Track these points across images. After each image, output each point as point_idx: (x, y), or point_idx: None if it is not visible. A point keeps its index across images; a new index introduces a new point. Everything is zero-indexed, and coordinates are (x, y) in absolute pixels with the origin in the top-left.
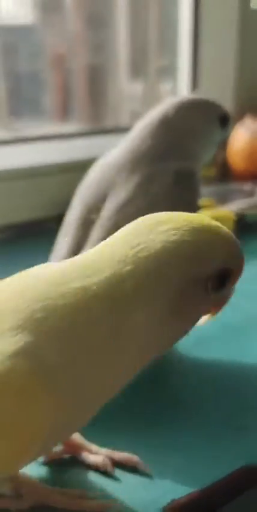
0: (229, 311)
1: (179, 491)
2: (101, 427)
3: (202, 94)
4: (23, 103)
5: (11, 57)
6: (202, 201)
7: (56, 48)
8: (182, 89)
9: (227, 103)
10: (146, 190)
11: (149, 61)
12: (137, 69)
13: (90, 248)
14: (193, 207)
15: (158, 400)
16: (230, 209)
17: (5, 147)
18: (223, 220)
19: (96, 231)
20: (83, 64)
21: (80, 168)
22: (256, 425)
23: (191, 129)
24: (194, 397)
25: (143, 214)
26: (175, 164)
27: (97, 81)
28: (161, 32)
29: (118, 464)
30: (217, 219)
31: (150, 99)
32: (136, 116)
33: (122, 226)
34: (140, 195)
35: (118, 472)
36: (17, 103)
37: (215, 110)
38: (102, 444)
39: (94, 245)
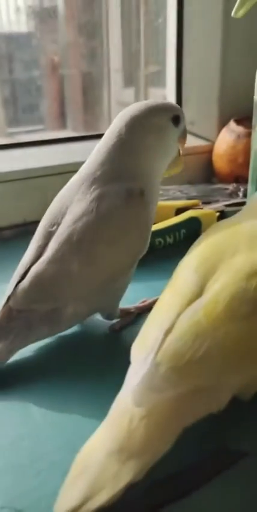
0: None
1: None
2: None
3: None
4: (19, 110)
5: (7, 65)
6: (189, 202)
7: (50, 56)
8: (170, 95)
9: (212, 108)
10: (97, 207)
11: (140, 69)
12: (129, 76)
13: (48, 255)
14: (144, 225)
15: None
16: (214, 208)
17: (2, 151)
18: (206, 218)
19: (52, 242)
20: (77, 71)
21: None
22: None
23: (144, 143)
24: None
25: (90, 231)
26: (126, 184)
27: (91, 88)
28: (151, 41)
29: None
30: (201, 216)
31: None
32: None
33: (73, 239)
34: (90, 212)
35: None
36: (13, 110)
37: (166, 114)
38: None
39: (49, 253)
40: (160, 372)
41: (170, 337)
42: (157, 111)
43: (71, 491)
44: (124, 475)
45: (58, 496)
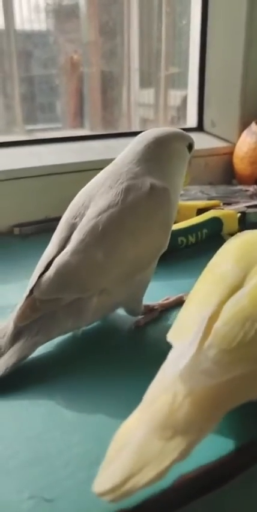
0: None
1: (187, 466)
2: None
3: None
4: (37, 108)
5: (26, 63)
6: (210, 202)
7: (70, 54)
8: (192, 96)
9: (234, 110)
10: (122, 200)
11: (160, 69)
12: (149, 77)
13: (72, 246)
14: (166, 219)
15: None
16: (235, 209)
17: (22, 148)
18: (227, 218)
19: (76, 234)
20: (97, 71)
21: (95, 167)
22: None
23: (168, 157)
24: None
25: (115, 223)
26: (150, 179)
27: (110, 87)
28: (172, 41)
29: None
30: (222, 216)
31: (160, 106)
32: (146, 122)
33: (97, 230)
34: (115, 205)
35: None
36: (31, 108)
37: (184, 140)
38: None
39: (73, 244)
40: (210, 355)
41: (218, 323)
42: (177, 136)
43: (111, 469)
44: (170, 452)
45: (97, 476)
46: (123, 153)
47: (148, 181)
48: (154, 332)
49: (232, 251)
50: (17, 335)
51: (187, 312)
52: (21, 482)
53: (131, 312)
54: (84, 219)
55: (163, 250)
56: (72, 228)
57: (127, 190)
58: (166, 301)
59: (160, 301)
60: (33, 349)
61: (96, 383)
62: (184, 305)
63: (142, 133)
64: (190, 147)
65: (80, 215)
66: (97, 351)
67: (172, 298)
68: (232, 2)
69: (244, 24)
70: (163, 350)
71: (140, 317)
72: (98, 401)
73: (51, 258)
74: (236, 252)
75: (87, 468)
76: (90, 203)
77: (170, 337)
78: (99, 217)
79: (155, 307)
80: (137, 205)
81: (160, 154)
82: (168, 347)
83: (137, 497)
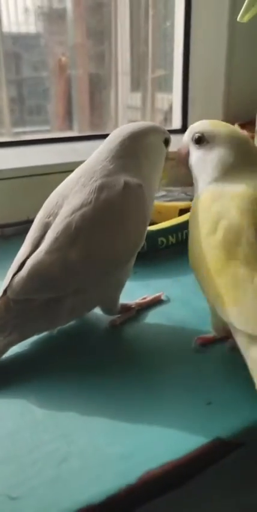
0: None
1: (152, 462)
2: (83, 403)
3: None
4: (25, 111)
5: (14, 65)
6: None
7: (58, 56)
8: (176, 99)
9: (217, 112)
10: (96, 198)
11: (147, 72)
12: (136, 79)
13: (45, 245)
14: (141, 217)
15: (129, 381)
16: None
17: (4, 149)
18: None
19: (49, 233)
20: (84, 73)
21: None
22: (220, 400)
23: (143, 153)
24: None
25: (89, 221)
26: (124, 176)
27: (98, 90)
28: (158, 45)
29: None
30: None
31: (148, 109)
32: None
33: (71, 229)
34: (88, 203)
35: (95, 446)
36: (19, 111)
37: (160, 135)
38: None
39: (47, 243)
40: None
41: None
42: (153, 130)
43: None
44: None
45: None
46: (98, 150)
47: (122, 178)
48: (130, 331)
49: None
50: None
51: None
52: None
53: (107, 311)
54: (58, 218)
55: (139, 248)
56: (45, 227)
57: (101, 188)
58: (143, 301)
59: (137, 300)
60: (6, 349)
61: (69, 384)
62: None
63: (118, 128)
64: (167, 141)
65: (53, 214)
66: (71, 351)
67: (149, 297)
68: (214, 5)
69: (226, 26)
70: (138, 349)
71: (116, 316)
72: (71, 401)
73: (24, 257)
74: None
75: (54, 466)
76: (63, 202)
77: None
78: (73, 215)
79: (132, 307)
80: (111, 203)
81: (135, 150)
82: (143, 347)
83: (102, 493)
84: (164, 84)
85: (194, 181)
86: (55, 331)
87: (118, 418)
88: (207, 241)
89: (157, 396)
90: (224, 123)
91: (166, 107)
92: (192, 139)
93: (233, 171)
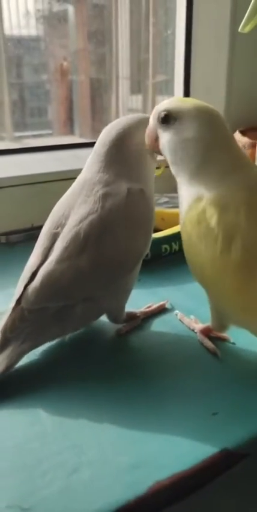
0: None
1: (161, 473)
2: (92, 410)
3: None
4: (26, 114)
5: (15, 69)
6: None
7: (59, 61)
8: None
9: None
10: (101, 206)
11: (148, 77)
12: (137, 84)
13: (55, 255)
14: (146, 220)
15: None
16: None
17: (9, 156)
18: None
19: (58, 243)
20: (86, 78)
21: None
22: (225, 410)
23: (133, 152)
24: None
25: (96, 228)
26: (125, 183)
27: (99, 94)
28: (159, 50)
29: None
30: None
31: (148, 111)
32: None
33: (80, 237)
34: (95, 211)
35: (104, 457)
36: (21, 114)
37: (146, 127)
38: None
39: (57, 253)
40: None
41: None
42: (138, 127)
43: None
44: None
45: None
46: (90, 162)
47: (123, 186)
48: (135, 340)
49: None
50: (4, 344)
51: None
52: (0, 492)
53: (113, 319)
54: (66, 228)
55: (146, 251)
56: (54, 238)
57: (105, 197)
58: (148, 309)
59: (142, 309)
60: (20, 357)
61: (77, 393)
62: None
63: (103, 131)
64: None
65: (61, 225)
66: (78, 360)
67: (154, 306)
68: (215, 13)
69: (227, 33)
70: (143, 358)
71: (121, 325)
72: (79, 411)
73: (35, 268)
74: None
75: (64, 477)
76: (70, 213)
77: None
78: (81, 224)
79: (137, 315)
80: (116, 210)
81: (123, 155)
82: (149, 355)
83: (113, 503)
84: (165, 88)
85: (173, 172)
86: (67, 338)
87: (125, 428)
88: (222, 262)
89: (162, 405)
90: (190, 98)
91: None
92: (158, 121)
93: (214, 155)
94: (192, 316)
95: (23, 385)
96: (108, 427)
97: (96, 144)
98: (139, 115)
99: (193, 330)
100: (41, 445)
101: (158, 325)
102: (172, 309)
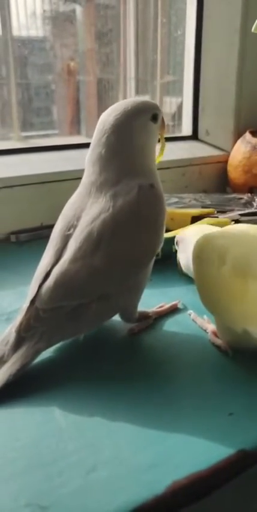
0: None
1: (179, 473)
2: (107, 413)
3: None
4: (33, 114)
5: (22, 69)
6: (204, 210)
7: (66, 61)
8: (187, 105)
9: (228, 119)
10: (113, 205)
11: (156, 78)
12: (145, 84)
13: (69, 255)
14: (159, 215)
15: (155, 392)
16: (230, 217)
17: (18, 156)
18: (221, 226)
19: (71, 243)
20: (93, 78)
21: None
22: (241, 411)
23: (134, 144)
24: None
25: (109, 226)
26: (136, 181)
27: (106, 95)
28: (167, 50)
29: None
30: (216, 224)
31: None
32: None
33: (93, 237)
34: (107, 210)
35: (121, 456)
36: (28, 114)
37: (145, 115)
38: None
39: (70, 252)
40: None
41: None
42: (137, 114)
43: None
44: None
45: None
46: (89, 163)
47: (133, 182)
48: (148, 339)
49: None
50: (19, 343)
51: None
52: (18, 490)
53: (126, 318)
54: (78, 229)
55: (159, 247)
56: (66, 239)
57: (115, 196)
58: (160, 309)
59: (154, 309)
60: (35, 356)
61: (92, 392)
62: None
63: (100, 122)
64: (155, 117)
65: (73, 226)
66: (92, 359)
67: (166, 305)
68: (226, 13)
69: (238, 34)
70: (157, 358)
71: (134, 324)
72: (93, 409)
73: (49, 268)
74: None
75: (82, 476)
76: (81, 214)
77: None
78: (93, 224)
79: (150, 315)
80: (128, 207)
81: (122, 145)
82: (162, 355)
83: (130, 503)
84: (173, 89)
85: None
86: (81, 337)
87: (140, 427)
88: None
89: (177, 405)
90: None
91: (173, 110)
92: None
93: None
94: (205, 317)
95: (38, 384)
96: (124, 426)
97: (94, 137)
98: (138, 98)
99: (205, 330)
100: (57, 444)
101: (170, 325)
102: (183, 309)
